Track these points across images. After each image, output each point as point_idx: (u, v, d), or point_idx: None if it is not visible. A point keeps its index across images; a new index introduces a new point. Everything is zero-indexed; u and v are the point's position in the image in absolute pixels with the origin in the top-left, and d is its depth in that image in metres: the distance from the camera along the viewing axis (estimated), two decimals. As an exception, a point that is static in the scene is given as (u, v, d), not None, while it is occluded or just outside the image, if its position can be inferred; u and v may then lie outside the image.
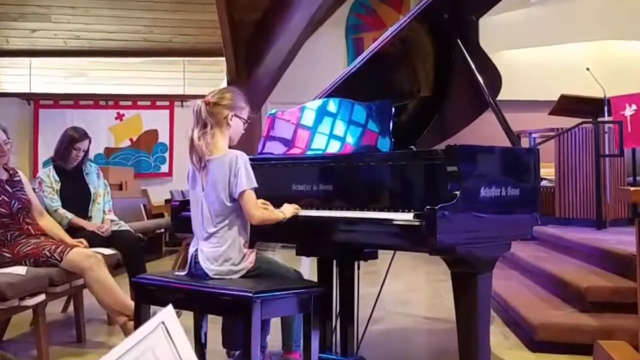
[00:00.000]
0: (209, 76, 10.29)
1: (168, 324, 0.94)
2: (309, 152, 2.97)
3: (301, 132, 3.04)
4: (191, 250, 2.78)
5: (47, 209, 4.16)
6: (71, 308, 4.24)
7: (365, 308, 3.29)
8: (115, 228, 4.42)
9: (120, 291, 3.59)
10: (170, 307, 0.96)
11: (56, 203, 4.31)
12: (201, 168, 2.71)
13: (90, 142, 4.48)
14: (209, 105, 2.72)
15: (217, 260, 2.67)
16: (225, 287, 2.53)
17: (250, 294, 2.41)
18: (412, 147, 2.98)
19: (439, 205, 2.22)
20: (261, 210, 2.66)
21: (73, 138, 4.38)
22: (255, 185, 2.63)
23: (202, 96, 2.77)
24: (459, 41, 2.98)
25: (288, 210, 2.70)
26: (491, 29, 8.63)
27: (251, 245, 2.78)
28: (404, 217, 2.36)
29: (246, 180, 2.61)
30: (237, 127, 2.78)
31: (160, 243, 8.84)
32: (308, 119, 3.04)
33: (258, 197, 2.69)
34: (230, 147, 2.77)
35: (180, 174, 9.48)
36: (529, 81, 9.64)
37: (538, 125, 7.19)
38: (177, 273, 2.86)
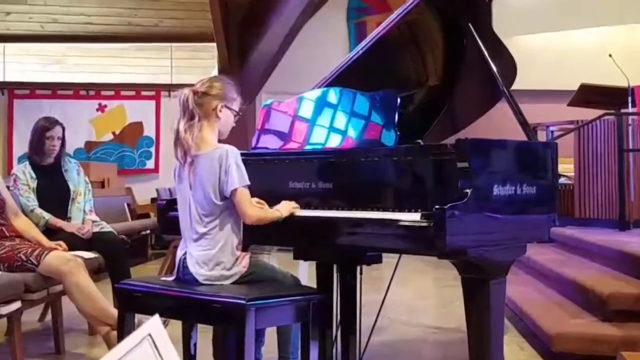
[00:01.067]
0: (198, 63, 10.29)
1: (155, 336, 0.94)
2: (308, 147, 2.96)
3: (299, 125, 3.04)
4: (179, 253, 2.78)
5: (23, 209, 4.16)
6: (49, 317, 4.24)
7: (368, 316, 3.29)
8: (96, 229, 4.42)
9: (102, 298, 3.58)
10: (156, 317, 0.96)
11: (32, 202, 4.31)
12: (187, 163, 2.71)
13: (64, 129, 4.47)
14: (197, 95, 2.71)
15: (207, 265, 2.67)
16: (217, 293, 2.53)
17: (243, 301, 2.41)
18: (419, 141, 2.97)
19: (449, 205, 2.22)
20: (257, 209, 2.66)
21: (44, 127, 4.38)
22: (248, 182, 2.63)
23: (192, 85, 2.77)
24: (470, 25, 2.98)
25: (285, 208, 2.70)
26: (505, 13, 8.64)
27: (244, 248, 2.78)
28: (411, 217, 2.36)
29: (238, 177, 2.61)
30: (227, 119, 2.78)
31: (146, 246, 8.83)
32: (306, 110, 3.04)
33: (252, 196, 2.68)
34: (219, 141, 2.77)
35: (167, 170, 9.48)
36: (546, 69, 9.64)
37: (556, 118, 7.18)
38: (164, 278, 2.85)
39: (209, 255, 2.66)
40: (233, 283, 2.67)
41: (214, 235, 2.67)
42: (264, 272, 2.78)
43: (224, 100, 2.74)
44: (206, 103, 2.72)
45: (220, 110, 2.73)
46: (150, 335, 0.93)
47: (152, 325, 0.93)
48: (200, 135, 2.70)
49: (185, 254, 2.73)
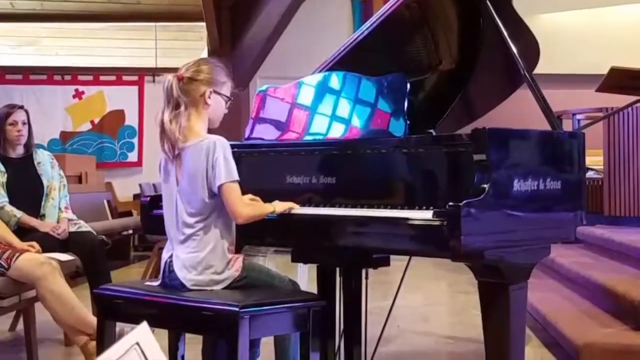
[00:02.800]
0: (186, 45, 10.29)
1: (143, 345, 0.94)
2: (307, 137, 2.96)
3: (297, 113, 3.04)
4: (165, 256, 2.78)
5: (-9, 206, 4.16)
6: (21, 325, 4.24)
7: (375, 325, 3.29)
8: (73, 229, 4.42)
9: (79, 305, 3.59)
10: (144, 324, 0.96)
11: (2, 199, 4.31)
12: (174, 157, 2.71)
13: (28, 113, 4.48)
14: (182, 81, 2.71)
15: (195, 268, 2.67)
16: (206, 300, 2.53)
17: (236, 309, 2.41)
18: (431, 130, 2.97)
19: (464, 201, 2.22)
20: (248, 207, 2.66)
21: (6, 113, 4.39)
22: (236, 177, 2.63)
23: (178, 70, 2.76)
24: (487, 2, 2.97)
25: (280, 205, 2.70)
26: (527, -12, 8.61)
27: (237, 249, 2.78)
28: (422, 215, 2.36)
29: (225, 171, 2.61)
30: (217, 106, 2.78)
31: (128, 247, 8.85)
32: (306, 96, 3.04)
33: (245, 193, 2.68)
34: (210, 131, 2.77)
35: (151, 163, 9.48)
36: (572, 51, 9.63)
37: (583, 105, 7.18)
38: (148, 283, 2.86)
39: (198, 257, 2.67)
40: (224, 288, 2.67)
41: (203, 236, 2.67)
42: (259, 276, 2.78)
43: (212, 85, 2.74)
44: (193, 89, 2.71)
45: (209, 97, 2.73)
46: (138, 344, 0.93)
47: (140, 333, 0.93)
48: (188, 125, 2.70)
49: (171, 256, 2.74)
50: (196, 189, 2.66)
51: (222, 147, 2.64)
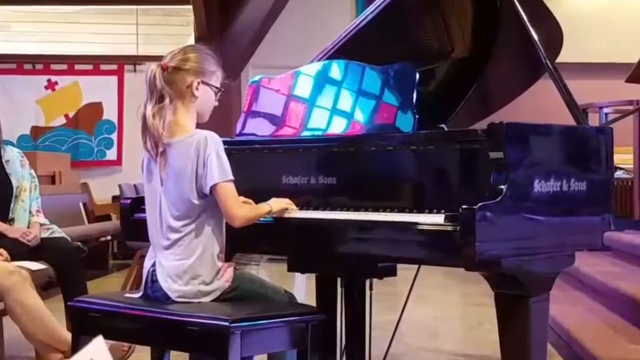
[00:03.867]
0: (170, 31, 10.28)
1: None
2: (305, 133, 2.97)
3: (294, 106, 3.04)
4: (147, 264, 2.78)
5: (-45, 210, 4.16)
6: (-13, 341, 4.24)
7: (380, 342, 3.29)
8: (45, 234, 4.41)
9: (52, 319, 3.59)
10: (100, 338, 0.97)
11: (-34, 201, 4.31)
12: (158, 155, 2.71)
13: None
14: (167, 70, 2.71)
15: (181, 278, 2.67)
16: (193, 313, 2.53)
17: (226, 323, 2.41)
18: (442, 125, 2.97)
19: (479, 204, 2.22)
20: (245, 208, 2.67)
21: None
22: (231, 177, 2.63)
23: (162, 58, 2.77)
24: (505, -16, 2.98)
25: (277, 203, 2.70)
26: (549, -32, 8.61)
27: (228, 257, 2.78)
28: (432, 219, 2.36)
29: (218, 170, 2.61)
30: (206, 98, 2.78)
31: (106, 255, 8.84)
32: (303, 88, 3.04)
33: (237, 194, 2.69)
34: (199, 126, 2.77)
35: (132, 161, 9.47)
36: (599, 37, 9.63)
37: (611, 97, 7.19)
38: (128, 295, 2.86)
39: (184, 266, 2.67)
40: (213, 300, 2.68)
41: (190, 242, 2.67)
42: (252, 287, 2.78)
43: (200, 75, 2.74)
44: (179, 80, 2.72)
45: (196, 88, 2.73)
46: None
47: (95, 348, 0.93)
48: (174, 120, 2.70)
49: (154, 264, 2.74)
50: (183, 190, 2.66)
51: (214, 143, 2.65)
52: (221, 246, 2.73)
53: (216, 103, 2.84)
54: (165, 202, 2.70)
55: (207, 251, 2.68)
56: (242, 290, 2.74)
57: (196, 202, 2.66)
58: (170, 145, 2.69)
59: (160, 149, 2.70)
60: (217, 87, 2.81)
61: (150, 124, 2.67)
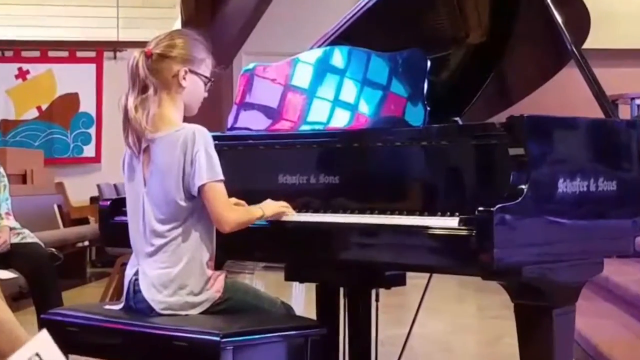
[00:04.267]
0: (155, 14, 10.28)
1: (44, 354, 0.95)
2: (304, 127, 2.97)
3: (292, 98, 3.05)
4: (129, 272, 2.78)
5: None
6: (-49, 358, 4.25)
7: (388, 356, 3.29)
8: (16, 240, 4.43)
9: (23, 333, 3.59)
10: (44, 332, 0.98)
11: None
12: (141, 152, 2.71)
13: None
14: (151, 57, 2.71)
15: (167, 288, 2.67)
16: (180, 327, 2.53)
17: (216, 338, 2.41)
18: (456, 119, 2.98)
19: (497, 206, 2.22)
20: (237, 211, 2.67)
21: None
22: (221, 177, 2.63)
23: (145, 44, 2.77)
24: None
25: (269, 207, 2.71)
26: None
27: (218, 265, 2.78)
28: (445, 223, 2.37)
29: (207, 169, 2.61)
30: (194, 88, 2.78)
31: (84, 262, 8.84)
32: (302, 77, 3.04)
33: (228, 195, 2.69)
34: (185, 119, 2.77)
35: (112, 159, 9.48)
36: (630, 22, 9.63)
37: (644, 87, 7.18)
38: (108, 307, 2.86)
39: (170, 275, 2.67)
40: (202, 313, 2.68)
41: (177, 248, 2.68)
42: (245, 298, 2.78)
43: (188, 63, 2.74)
44: (164, 69, 2.72)
45: (184, 78, 2.73)
46: (38, 354, 0.94)
47: (40, 341, 0.94)
48: (159, 113, 2.70)
49: (137, 273, 2.74)
50: (169, 190, 2.66)
51: (203, 138, 2.65)
52: (211, 253, 2.73)
53: (205, 94, 2.84)
54: (148, 204, 2.71)
55: (195, 258, 2.68)
56: (235, 301, 2.74)
57: (183, 203, 2.66)
58: (154, 141, 2.69)
59: (144, 145, 2.70)
60: (206, 77, 2.81)
61: (132, 117, 2.67)
